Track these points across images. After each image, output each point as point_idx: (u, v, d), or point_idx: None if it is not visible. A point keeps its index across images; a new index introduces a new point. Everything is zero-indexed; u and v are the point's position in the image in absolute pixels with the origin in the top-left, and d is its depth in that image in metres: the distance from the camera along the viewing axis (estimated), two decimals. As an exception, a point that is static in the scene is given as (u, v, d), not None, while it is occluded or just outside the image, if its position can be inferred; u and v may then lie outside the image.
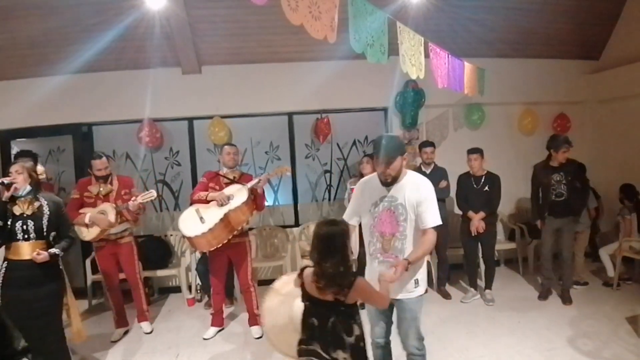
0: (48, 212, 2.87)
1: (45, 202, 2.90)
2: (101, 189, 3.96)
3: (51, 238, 2.90)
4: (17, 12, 4.36)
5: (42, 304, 2.80)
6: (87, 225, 3.81)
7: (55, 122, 5.10)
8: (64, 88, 5.02)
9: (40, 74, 5.03)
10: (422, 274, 2.55)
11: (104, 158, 3.97)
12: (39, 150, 5.43)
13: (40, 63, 4.92)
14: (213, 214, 3.67)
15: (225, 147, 4.14)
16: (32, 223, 2.79)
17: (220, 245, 3.70)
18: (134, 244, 4.17)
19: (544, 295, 4.63)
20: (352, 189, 4.49)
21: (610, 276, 4.86)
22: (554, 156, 4.45)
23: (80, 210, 3.86)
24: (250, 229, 5.51)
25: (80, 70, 4.92)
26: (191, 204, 3.89)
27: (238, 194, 3.77)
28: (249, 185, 3.82)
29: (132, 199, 3.89)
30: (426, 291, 2.59)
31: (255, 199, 3.90)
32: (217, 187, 3.94)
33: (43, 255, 2.76)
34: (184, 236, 3.73)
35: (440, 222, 2.42)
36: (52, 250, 2.84)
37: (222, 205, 3.70)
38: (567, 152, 4.39)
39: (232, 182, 3.97)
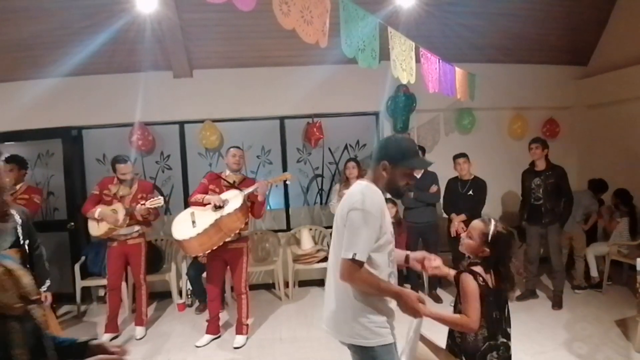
0: (20, 221, 2.82)
1: (15, 211, 2.84)
2: (120, 190, 4.07)
3: (26, 247, 2.85)
4: (6, 15, 4.31)
5: None
6: (97, 220, 3.95)
7: (45, 126, 5.03)
8: (53, 91, 4.97)
9: (29, 76, 4.97)
10: None
11: (129, 163, 4.07)
12: (28, 154, 5.36)
13: (29, 66, 4.87)
14: (205, 219, 3.61)
15: (231, 149, 4.04)
16: None
17: (210, 250, 3.66)
18: (144, 245, 4.22)
19: (522, 296, 4.74)
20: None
21: (593, 276, 4.94)
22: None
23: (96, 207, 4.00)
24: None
25: (70, 73, 4.87)
26: (190, 206, 3.85)
27: (234, 200, 3.70)
28: (247, 191, 3.76)
29: (141, 202, 3.95)
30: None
31: (253, 206, 3.84)
32: (217, 190, 3.88)
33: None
34: (174, 239, 3.69)
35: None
36: (44, 288, 2.67)
37: (216, 208, 3.65)
38: (536, 151, 4.51)
39: (232, 186, 3.91)
